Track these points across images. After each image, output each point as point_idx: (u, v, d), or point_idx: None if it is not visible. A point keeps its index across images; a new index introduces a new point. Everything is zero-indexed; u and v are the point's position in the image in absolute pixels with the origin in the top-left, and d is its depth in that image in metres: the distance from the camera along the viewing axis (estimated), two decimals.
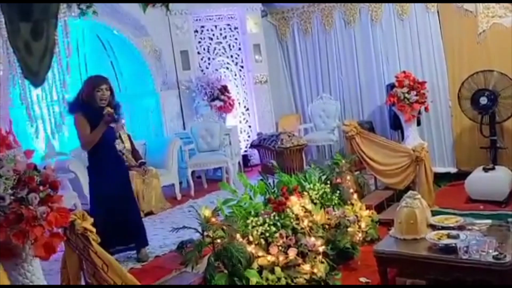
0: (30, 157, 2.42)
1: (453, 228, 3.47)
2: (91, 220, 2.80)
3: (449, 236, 3.28)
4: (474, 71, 5.57)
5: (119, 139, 5.24)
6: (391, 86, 6.07)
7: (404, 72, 6.04)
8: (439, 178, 5.81)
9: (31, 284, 2.36)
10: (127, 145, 5.37)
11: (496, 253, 2.97)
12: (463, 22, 6.01)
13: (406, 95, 5.74)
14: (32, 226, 2.21)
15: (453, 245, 3.13)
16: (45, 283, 2.49)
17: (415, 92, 5.74)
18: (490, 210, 4.85)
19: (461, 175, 5.78)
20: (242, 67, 7.47)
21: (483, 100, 5.41)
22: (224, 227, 3.45)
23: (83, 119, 3.57)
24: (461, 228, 3.49)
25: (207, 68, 7.16)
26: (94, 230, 2.77)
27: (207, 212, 3.46)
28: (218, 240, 3.41)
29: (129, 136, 5.51)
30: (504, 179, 5.16)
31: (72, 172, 4.63)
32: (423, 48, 6.39)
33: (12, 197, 2.24)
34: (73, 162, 4.76)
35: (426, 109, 5.96)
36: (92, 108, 3.59)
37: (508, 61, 5.52)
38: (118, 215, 3.62)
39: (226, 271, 3.33)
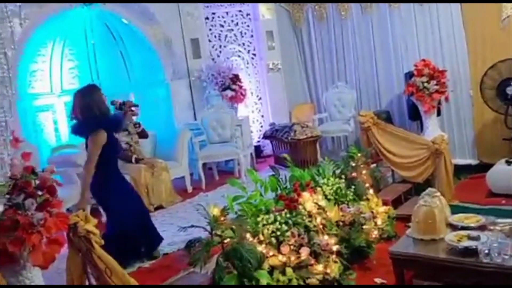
0: (27, 160, 2.31)
1: (473, 229, 3.30)
2: (95, 221, 2.72)
3: (469, 238, 3.12)
4: (498, 59, 5.32)
5: (126, 131, 5.17)
6: (409, 75, 5.87)
7: (423, 60, 5.82)
8: (459, 170, 5.61)
9: None
10: (135, 137, 5.28)
11: None
12: (486, 7, 5.73)
13: (426, 84, 5.55)
14: (29, 233, 2.11)
15: (474, 247, 2.98)
16: None
17: (435, 81, 5.54)
18: None
19: (483, 168, 5.60)
20: (254, 55, 7.30)
21: (510, 90, 5.16)
22: (234, 227, 3.33)
23: (105, 136, 3.41)
24: (482, 228, 3.32)
25: (218, 56, 7.01)
26: (97, 232, 2.68)
27: (216, 211, 3.35)
28: (227, 240, 3.31)
29: (136, 126, 5.34)
30: None
31: (80, 166, 4.53)
32: (443, 35, 6.14)
33: (8, 203, 2.14)
34: (82, 156, 4.65)
35: (446, 99, 5.75)
36: (108, 116, 3.50)
37: None
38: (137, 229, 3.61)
39: (235, 272, 3.22)
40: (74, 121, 3.56)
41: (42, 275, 2.42)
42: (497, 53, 5.49)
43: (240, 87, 6.62)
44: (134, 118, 5.21)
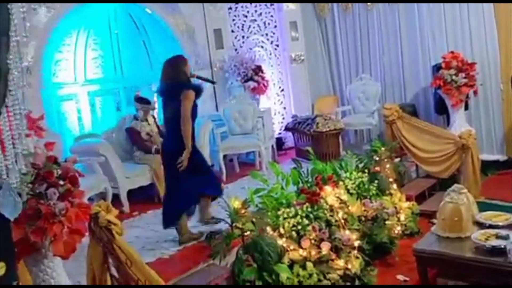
0: (50, 150, 2.31)
1: (502, 227, 3.20)
2: (116, 212, 2.72)
3: (497, 237, 3.04)
4: None
5: (145, 122, 5.21)
6: (437, 68, 5.72)
7: (452, 52, 5.66)
8: (487, 166, 5.45)
9: (52, 280, 2.29)
10: (154, 127, 5.31)
11: None
12: None
13: (454, 77, 5.40)
14: (51, 223, 2.12)
15: (502, 247, 2.90)
16: (66, 279, 2.42)
17: (463, 75, 5.38)
18: None
19: (511, 164, 5.42)
20: (277, 45, 7.22)
21: None
22: (254, 220, 3.30)
23: (193, 96, 3.69)
24: (510, 227, 3.21)
25: (241, 47, 6.94)
26: (118, 222, 2.68)
27: (237, 203, 3.33)
28: (248, 233, 3.28)
29: (154, 118, 5.45)
30: None
31: (102, 156, 4.58)
32: (473, 26, 5.94)
33: (31, 192, 2.15)
34: (104, 146, 4.70)
35: (475, 92, 5.58)
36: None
37: None
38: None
39: (255, 265, 3.20)
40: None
41: (63, 265, 2.44)
42: None
43: (263, 78, 6.55)
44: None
